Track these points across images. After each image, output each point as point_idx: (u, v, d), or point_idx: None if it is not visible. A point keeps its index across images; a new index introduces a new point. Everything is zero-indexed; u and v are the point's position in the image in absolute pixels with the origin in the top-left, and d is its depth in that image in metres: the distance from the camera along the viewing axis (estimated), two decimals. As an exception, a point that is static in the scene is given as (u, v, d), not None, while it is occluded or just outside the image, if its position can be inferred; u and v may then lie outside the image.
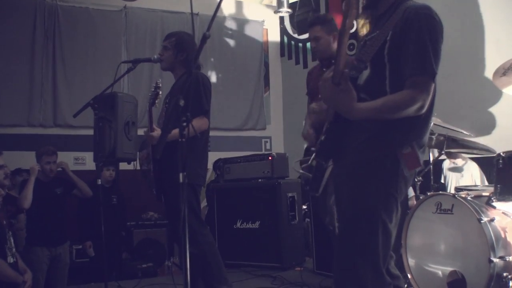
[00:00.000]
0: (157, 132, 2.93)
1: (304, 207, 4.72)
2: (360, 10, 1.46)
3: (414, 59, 1.62)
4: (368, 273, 1.65)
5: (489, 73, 3.57)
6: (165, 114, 3.15)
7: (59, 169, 4.44)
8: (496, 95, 4.55)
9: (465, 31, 4.86)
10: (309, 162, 1.76)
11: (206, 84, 3.03)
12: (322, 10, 7.03)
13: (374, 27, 1.79)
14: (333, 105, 1.68)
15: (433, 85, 1.64)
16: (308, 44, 7.22)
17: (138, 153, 3.28)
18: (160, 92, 2.96)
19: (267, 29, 7.78)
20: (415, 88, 1.61)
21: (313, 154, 1.78)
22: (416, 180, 3.35)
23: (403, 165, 1.68)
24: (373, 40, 1.70)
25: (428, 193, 3.05)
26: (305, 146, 3.30)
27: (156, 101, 2.99)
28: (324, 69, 3.32)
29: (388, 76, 1.69)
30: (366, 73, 1.71)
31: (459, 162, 4.75)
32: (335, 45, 3.30)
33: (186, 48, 3.09)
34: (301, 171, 1.79)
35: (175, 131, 2.53)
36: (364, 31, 1.46)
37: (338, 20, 6.68)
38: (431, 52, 1.62)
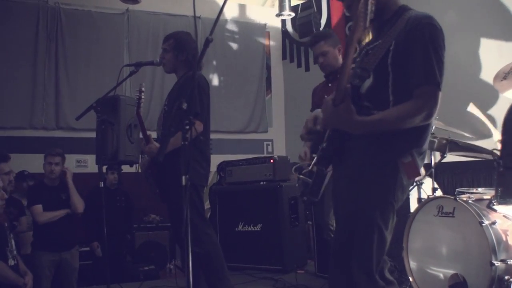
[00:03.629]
0: (154, 145, 2.98)
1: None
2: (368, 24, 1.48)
3: (419, 70, 1.64)
4: (361, 278, 1.66)
5: (490, 77, 3.58)
6: (163, 116, 3.15)
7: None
8: (496, 98, 4.56)
9: (467, 35, 4.87)
10: (310, 167, 1.77)
11: (203, 86, 3.02)
12: (324, 13, 7.03)
13: (376, 36, 1.80)
14: (335, 124, 1.71)
15: (439, 93, 1.65)
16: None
17: (140, 156, 3.30)
18: (143, 97, 3.01)
19: (269, 32, 7.79)
20: (421, 98, 1.63)
21: (314, 160, 1.79)
22: (418, 183, 3.35)
23: (402, 174, 1.69)
24: (376, 49, 1.72)
25: (430, 196, 3.06)
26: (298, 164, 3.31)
27: (141, 103, 3.07)
28: (330, 85, 3.34)
29: (391, 85, 1.70)
30: (368, 81, 1.72)
31: None
32: (341, 58, 3.33)
33: (186, 47, 3.10)
34: (301, 176, 1.79)
35: (173, 141, 2.56)
36: (365, 39, 1.48)
37: (338, 16, 6.72)
38: (435, 62, 1.64)
